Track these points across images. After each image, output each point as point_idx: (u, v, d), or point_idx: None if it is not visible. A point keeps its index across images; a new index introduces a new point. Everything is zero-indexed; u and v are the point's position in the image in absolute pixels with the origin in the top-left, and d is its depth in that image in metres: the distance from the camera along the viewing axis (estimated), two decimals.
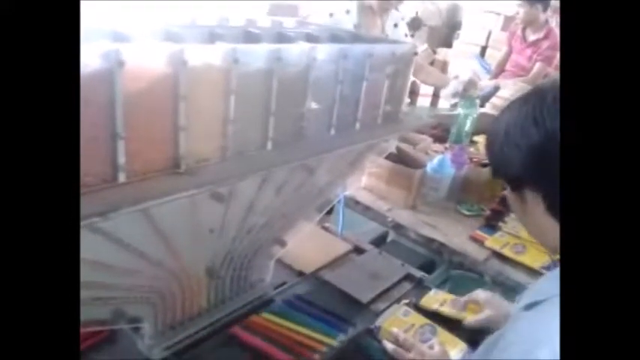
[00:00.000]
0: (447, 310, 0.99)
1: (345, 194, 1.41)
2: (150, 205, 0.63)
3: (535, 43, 3.12)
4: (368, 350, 0.91)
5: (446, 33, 5.49)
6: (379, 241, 1.34)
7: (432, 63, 4.74)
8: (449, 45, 5.29)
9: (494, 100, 2.31)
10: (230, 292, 0.92)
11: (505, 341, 0.64)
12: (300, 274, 1.10)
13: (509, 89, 2.37)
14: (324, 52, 0.86)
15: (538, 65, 3.06)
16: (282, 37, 0.99)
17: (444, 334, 0.94)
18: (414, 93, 4.32)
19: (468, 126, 1.84)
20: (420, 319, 0.96)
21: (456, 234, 1.28)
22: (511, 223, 1.28)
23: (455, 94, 1.95)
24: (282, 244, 1.00)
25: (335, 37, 1.11)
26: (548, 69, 3.07)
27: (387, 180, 1.39)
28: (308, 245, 1.15)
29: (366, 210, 1.41)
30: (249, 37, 0.95)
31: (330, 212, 1.46)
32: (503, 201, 1.30)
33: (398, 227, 1.34)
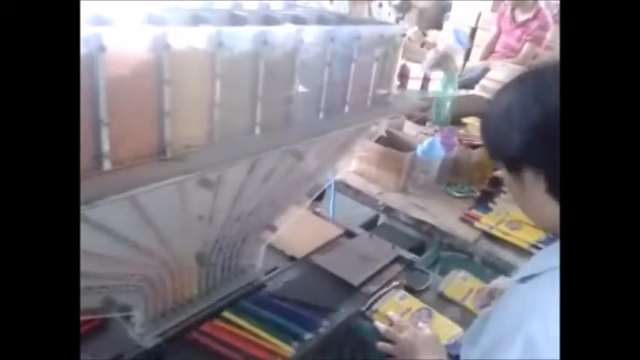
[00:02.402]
0: (470, 305, 1.00)
1: (335, 178, 1.41)
2: (136, 193, 0.62)
3: (524, 24, 3.11)
4: (359, 332, 0.92)
5: (436, 15, 5.45)
6: (370, 225, 1.34)
7: (422, 45, 4.72)
8: (439, 27, 5.26)
9: (483, 81, 2.31)
10: (221, 278, 0.92)
11: (498, 313, 0.64)
12: (292, 259, 1.10)
13: (499, 71, 2.37)
14: (311, 34, 0.84)
15: (527, 45, 3.06)
16: (268, 20, 0.97)
17: (439, 318, 0.94)
18: (404, 76, 4.31)
19: (448, 106, 1.84)
20: (416, 303, 0.97)
21: (446, 216, 1.28)
22: (501, 204, 1.29)
23: (433, 66, 1.93)
24: (273, 229, 0.99)
25: (322, 19, 1.10)
26: (537, 49, 3.07)
27: (378, 163, 1.39)
28: (299, 230, 1.15)
29: (357, 194, 1.41)
30: (235, 19, 0.93)
31: (321, 197, 1.46)
32: (493, 182, 1.31)
33: (389, 210, 1.34)
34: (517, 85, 0.65)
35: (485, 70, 2.42)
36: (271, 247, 1.07)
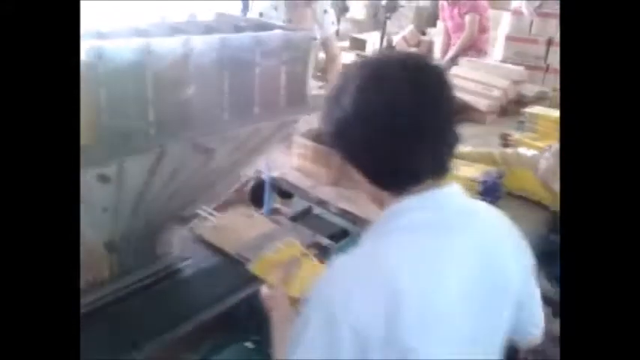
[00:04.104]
0: None
1: (273, 175, 1.50)
2: None
3: (456, 2, 3.19)
4: (259, 309, 1.02)
5: (435, 13, 5.48)
6: (302, 216, 1.43)
7: (417, 44, 4.75)
8: (434, 24, 5.29)
9: None
10: (134, 263, 1.03)
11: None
12: (218, 249, 1.19)
13: (463, 67, 2.42)
14: (203, 42, 0.94)
15: (468, 18, 3.13)
16: (174, 30, 1.07)
17: (308, 263, 0.97)
18: None
19: None
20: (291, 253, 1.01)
21: (370, 206, 1.36)
22: None
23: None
24: (186, 221, 1.09)
25: (238, 28, 1.19)
26: (477, 17, 3.14)
27: (312, 159, 1.48)
28: (227, 222, 1.25)
29: (295, 189, 1.50)
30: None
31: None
32: None
33: (321, 202, 1.43)
34: (336, 82, 0.72)
35: (448, 65, 2.48)
36: (198, 238, 1.17)
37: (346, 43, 4.98)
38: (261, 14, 1.84)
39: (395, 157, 0.68)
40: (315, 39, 1.18)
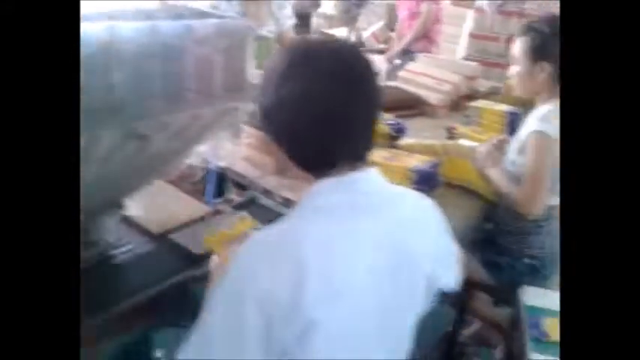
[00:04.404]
0: None
1: (220, 165, 1.52)
2: None
3: None
4: (194, 294, 1.03)
5: None
6: (246, 204, 1.44)
7: (386, 41, 4.79)
8: None
9: (403, 73, 2.40)
10: None
11: None
12: (155, 235, 1.20)
13: (420, 62, 2.47)
14: (130, 28, 0.95)
15: (424, 6, 3.20)
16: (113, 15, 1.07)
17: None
18: None
19: None
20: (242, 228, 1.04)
21: None
22: None
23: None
24: (121, 206, 1.10)
25: (180, 15, 1.20)
26: (433, 6, 3.22)
27: (259, 149, 1.50)
28: (165, 208, 1.26)
29: (242, 178, 1.52)
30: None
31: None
32: None
33: (266, 192, 1.45)
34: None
35: (405, 60, 2.52)
36: (133, 224, 1.17)
37: None
38: (215, 7, 1.84)
39: (316, 141, 0.72)
40: (252, 29, 1.19)
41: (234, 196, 1.64)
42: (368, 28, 4.87)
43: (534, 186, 1.29)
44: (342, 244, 0.70)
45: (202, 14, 1.23)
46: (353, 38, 4.72)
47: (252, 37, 1.21)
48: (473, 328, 1.77)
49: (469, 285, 1.55)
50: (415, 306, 0.79)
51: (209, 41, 1.10)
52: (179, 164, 1.22)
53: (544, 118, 1.29)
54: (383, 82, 3.07)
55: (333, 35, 4.76)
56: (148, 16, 1.16)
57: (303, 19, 5.89)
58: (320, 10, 5.68)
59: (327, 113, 0.69)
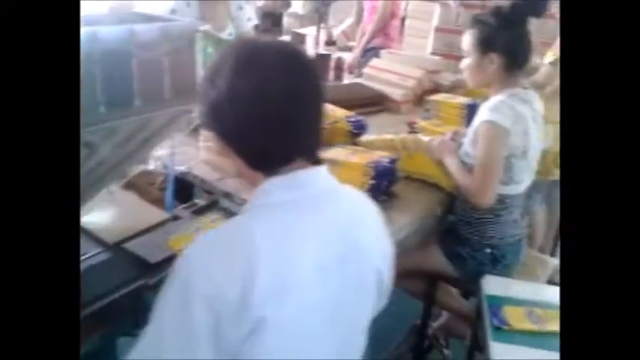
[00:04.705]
0: None
1: (180, 169, 1.50)
2: None
3: None
4: (146, 302, 1.02)
5: None
6: (206, 209, 1.43)
7: (356, 38, 4.81)
8: None
9: (367, 70, 2.41)
10: None
11: None
12: (110, 244, 1.18)
13: (384, 59, 2.48)
14: None
15: (380, 2, 3.25)
16: None
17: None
18: (339, 68, 4.40)
19: None
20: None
21: None
22: None
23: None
24: None
25: (123, 20, 1.18)
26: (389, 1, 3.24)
27: (218, 152, 1.48)
28: (121, 217, 1.24)
29: (202, 182, 1.50)
30: None
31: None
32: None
33: (227, 195, 1.44)
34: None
35: (368, 58, 2.53)
36: (91, 235, 1.16)
37: (288, 38, 5.01)
38: (173, 11, 1.82)
39: (264, 139, 0.71)
40: (198, 31, 1.19)
41: (200, 200, 1.63)
42: (338, 26, 4.88)
43: (484, 176, 1.30)
44: (290, 240, 0.69)
45: (148, 18, 1.22)
46: (324, 37, 4.72)
47: (198, 38, 1.20)
48: (441, 319, 1.78)
49: (435, 277, 1.57)
50: (366, 300, 0.79)
51: (154, 45, 1.09)
52: (130, 171, 1.21)
53: (494, 108, 1.31)
54: (348, 79, 3.09)
55: (302, 34, 4.77)
56: (92, 22, 1.14)
57: (274, 19, 5.90)
58: (291, 9, 5.68)
59: (277, 110, 0.69)
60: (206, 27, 1.75)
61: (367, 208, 0.83)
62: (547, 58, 1.88)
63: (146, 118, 1.14)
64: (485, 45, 1.35)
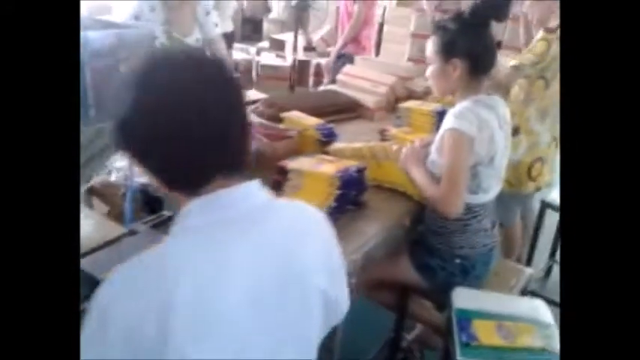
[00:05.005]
0: None
1: (142, 181, 1.44)
2: None
3: None
4: None
5: None
6: (165, 222, 1.38)
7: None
8: None
9: (341, 76, 2.38)
10: None
11: None
12: None
13: (358, 65, 2.46)
14: None
15: (356, 7, 3.23)
16: None
17: None
18: (319, 74, 4.38)
19: None
20: None
21: None
22: (288, 191, 1.35)
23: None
24: None
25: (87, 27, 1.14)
26: (363, 7, 3.23)
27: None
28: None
29: (165, 195, 1.45)
30: None
31: None
32: (280, 171, 1.37)
33: None
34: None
35: (343, 63, 2.51)
36: None
37: (267, 44, 4.99)
38: (137, 17, 1.76)
39: (172, 157, 0.65)
40: (156, 37, 1.15)
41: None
42: (317, 32, 4.87)
43: (451, 185, 1.27)
44: (212, 269, 0.63)
45: (103, 25, 1.18)
46: (303, 42, 4.71)
47: (154, 44, 1.16)
48: (416, 331, 1.76)
49: (406, 290, 1.54)
50: (311, 324, 0.72)
51: (108, 53, 1.05)
52: (94, 175, 1.16)
53: (459, 115, 1.28)
54: (323, 85, 3.07)
55: (280, 40, 4.75)
56: None
57: (255, 25, 5.87)
58: (271, 15, 5.65)
59: (181, 126, 0.63)
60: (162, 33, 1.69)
61: (309, 222, 0.77)
62: (512, 62, 1.87)
63: (99, 128, 1.10)
64: (447, 51, 1.33)
